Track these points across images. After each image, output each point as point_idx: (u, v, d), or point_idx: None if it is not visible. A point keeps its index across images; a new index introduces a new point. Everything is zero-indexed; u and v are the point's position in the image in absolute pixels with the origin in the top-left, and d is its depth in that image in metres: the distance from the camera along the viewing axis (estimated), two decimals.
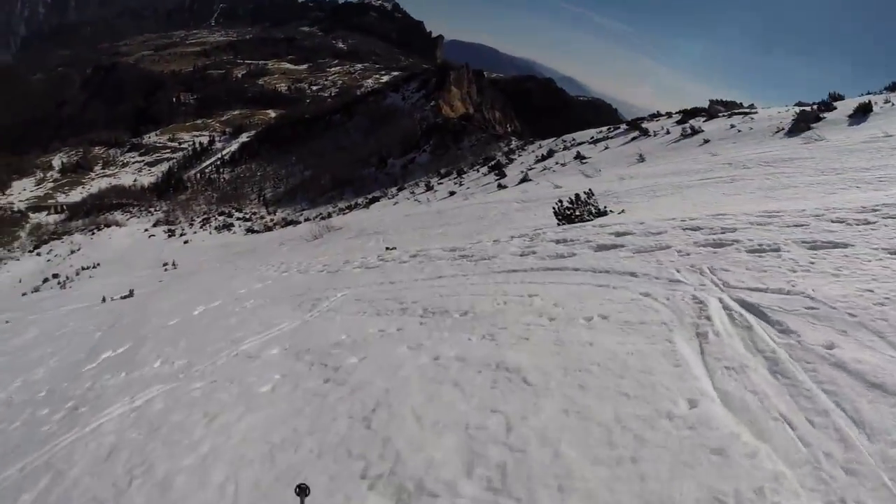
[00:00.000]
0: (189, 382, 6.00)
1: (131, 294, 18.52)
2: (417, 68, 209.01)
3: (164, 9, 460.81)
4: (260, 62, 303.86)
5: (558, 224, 9.40)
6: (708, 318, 3.97)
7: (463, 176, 46.19)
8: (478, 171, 45.20)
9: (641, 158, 20.74)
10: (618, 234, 6.88)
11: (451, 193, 33.27)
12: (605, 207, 9.63)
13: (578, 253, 6.54)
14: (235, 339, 7.09)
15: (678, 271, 5.17)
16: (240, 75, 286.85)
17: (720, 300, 4.28)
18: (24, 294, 38.69)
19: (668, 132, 26.51)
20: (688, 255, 5.54)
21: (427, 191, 45.00)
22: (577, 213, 9.28)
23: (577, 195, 9.54)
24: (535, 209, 13.83)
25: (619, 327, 4.24)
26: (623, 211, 9.50)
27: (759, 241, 5.37)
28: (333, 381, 4.84)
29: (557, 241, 7.39)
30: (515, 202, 15.95)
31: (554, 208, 9.70)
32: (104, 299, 18.10)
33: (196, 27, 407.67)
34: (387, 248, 12.77)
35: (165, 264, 34.70)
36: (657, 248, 6.02)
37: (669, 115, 38.15)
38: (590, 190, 9.78)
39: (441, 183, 47.87)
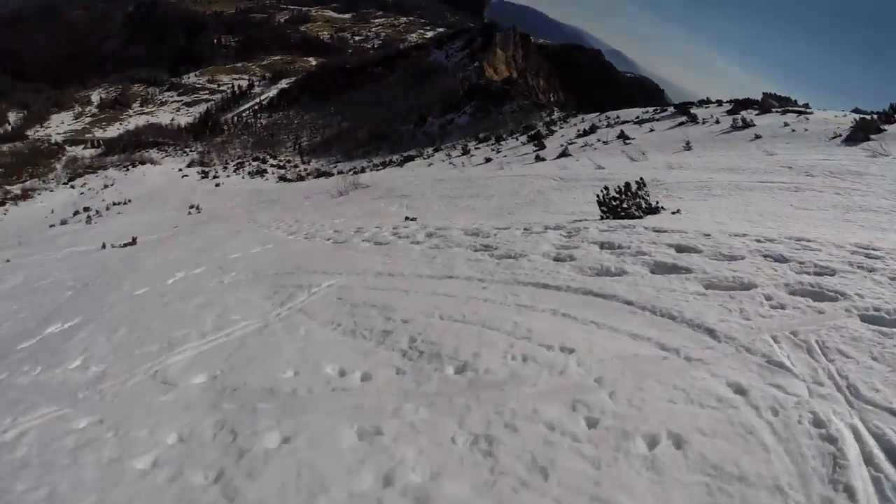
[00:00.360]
0: (76, 414, 4.42)
1: (133, 242, 17.72)
2: (463, 26, 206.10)
3: None
4: (303, 8, 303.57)
5: (602, 216, 8.08)
6: (848, 487, 2.22)
7: (501, 143, 44.91)
8: (517, 139, 43.84)
9: (688, 146, 19.39)
10: (679, 249, 5.45)
11: (488, 160, 31.95)
12: (657, 203, 8.22)
13: (630, 271, 5.07)
14: (172, 342, 5.74)
15: (776, 342, 3.39)
16: (282, 20, 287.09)
17: (855, 433, 2.51)
18: (51, 226, 39.95)
19: (717, 121, 24.99)
20: (782, 307, 3.85)
21: (463, 154, 43.84)
22: (626, 205, 7.90)
23: (626, 184, 8.06)
24: (574, 190, 12.37)
25: (704, 478, 2.40)
26: (679, 211, 8.07)
27: (873, 300, 3.74)
28: (223, 486, 3.05)
29: (602, 246, 6.02)
30: (553, 179, 14.53)
31: (598, 196, 8.25)
32: (104, 245, 17.53)
33: None
34: (406, 218, 11.62)
35: (192, 207, 34.61)
36: (737, 287, 4.31)
37: (719, 103, 36.54)
38: (641, 179, 8.33)
39: (478, 148, 46.71)
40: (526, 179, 15.57)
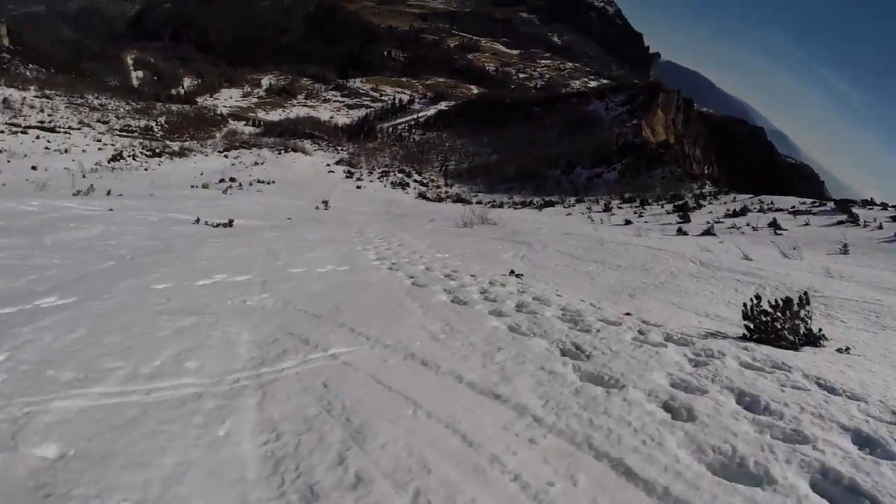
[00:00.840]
0: None
1: (230, 224, 17.15)
2: (627, 81, 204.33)
3: None
4: (473, 37, 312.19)
5: (746, 336, 6.00)
6: None
7: (645, 207, 42.81)
8: (662, 206, 41.56)
9: (845, 249, 17.60)
10: (860, 442, 3.33)
11: (627, 222, 30.30)
12: (819, 331, 6.15)
13: (779, 479, 2.92)
14: (90, 376, 4.19)
15: None
16: (451, 45, 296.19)
17: None
18: (192, 187, 42.71)
19: (880, 226, 22.46)
20: None
21: (604, 211, 42.21)
22: (778, 326, 5.95)
23: (786, 300, 5.97)
24: (713, 282, 10.33)
25: None
26: (847, 350, 5.81)
27: None
28: None
29: (740, 400, 3.98)
30: (692, 261, 12.46)
31: (746, 307, 6.07)
32: (198, 220, 16.94)
33: None
34: (511, 272, 10.07)
35: (324, 202, 34.58)
36: None
37: (884, 206, 33.05)
38: (805, 295, 6.23)
39: (620, 207, 44.79)
40: (661, 255, 13.71)
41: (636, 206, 44.09)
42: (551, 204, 54.33)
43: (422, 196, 65.34)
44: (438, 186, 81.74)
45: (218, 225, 16.90)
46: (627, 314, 6.90)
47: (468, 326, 6.08)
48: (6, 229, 11.91)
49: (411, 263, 10.87)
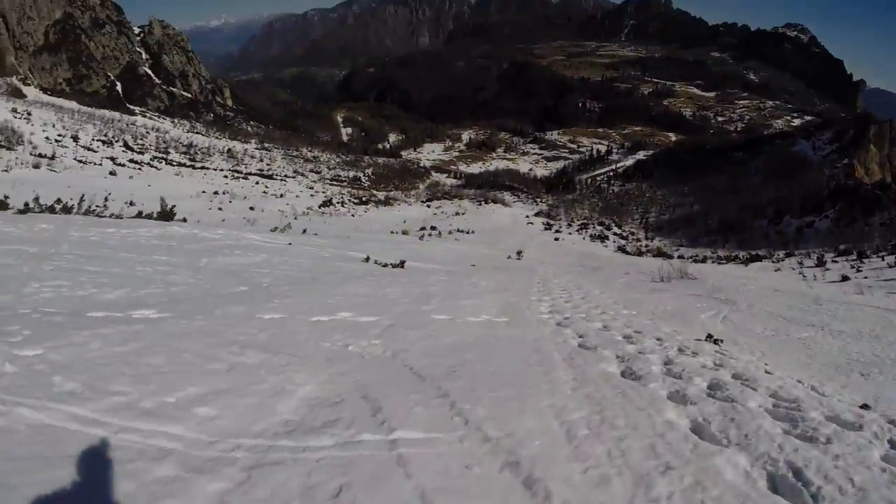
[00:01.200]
0: None
1: (400, 265, 17.69)
2: (833, 115, 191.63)
3: (577, 19, 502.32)
4: (666, 82, 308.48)
5: None
6: None
7: (864, 260, 37.99)
8: (883, 258, 36.87)
9: None
10: None
11: (844, 278, 26.44)
12: None
13: None
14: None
15: None
16: (645, 92, 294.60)
17: None
18: (391, 232, 48.14)
19: None
20: None
21: (817, 266, 37.95)
22: None
23: None
24: None
25: None
26: None
27: None
28: None
29: None
30: None
31: None
32: (367, 259, 17.74)
33: (606, 39, 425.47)
34: (708, 337, 8.43)
35: (518, 252, 35.40)
36: None
37: None
38: None
39: (835, 261, 40.19)
40: (894, 318, 11.58)
41: (853, 260, 39.54)
42: (758, 258, 50.65)
43: (621, 249, 64.05)
44: (638, 240, 79.70)
45: (387, 265, 17.11)
46: (865, 407, 5.06)
47: (629, 419, 4.17)
48: (174, 249, 12.87)
49: (587, 320, 9.25)
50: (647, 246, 72.28)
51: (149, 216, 21.91)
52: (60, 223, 15.17)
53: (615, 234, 79.85)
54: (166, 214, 22.68)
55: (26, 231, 12.92)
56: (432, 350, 6.09)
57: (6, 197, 18.85)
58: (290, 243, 19.03)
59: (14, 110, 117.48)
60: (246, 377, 4.43)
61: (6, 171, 58.56)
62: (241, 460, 3.11)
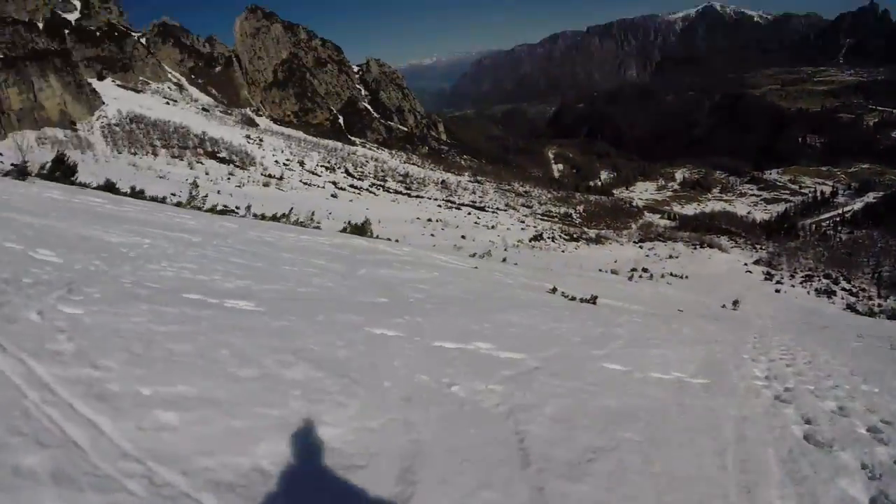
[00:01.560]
0: None
1: (591, 300, 17.10)
2: None
3: (789, 41, 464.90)
4: (894, 111, 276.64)
5: None
6: None
7: None
8: None
9: None
10: None
11: None
12: None
13: None
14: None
15: None
16: (871, 123, 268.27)
17: None
18: (600, 270, 47.91)
19: None
20: None
21: None
22: None
23: None
24: None
25: None
26: None
27: None
28: None
29: None
30: None
31: None
32: (554, 290, 17.63)
33: (822, 63, 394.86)
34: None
35: (735, 302, 33.95)
36: None
37: None
38: None
39: None
40: None
41: None
42: None
43: (850, 307, 59.53)
44: (870, 297, 73.76)
45: (574, 298, 16.14)
46: None
47: None
48: (340, 257, 13.40)
49: (817, 395, 6.28)
50: (880, 305, 67.47)
51: (342, 230, 23.09)
52: (245, 224, 15.99)
53: (843, 289, 74.82)
54: (358, 229, 23.58)
55: (206, 225, 13.63)
56: (575, 414, 4.17)
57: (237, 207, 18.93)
58: (475, 267, 18.77)
59: (248, 136, 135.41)
60: (265, 393, 3.40)
61: (239, 186, 66.46)
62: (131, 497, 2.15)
